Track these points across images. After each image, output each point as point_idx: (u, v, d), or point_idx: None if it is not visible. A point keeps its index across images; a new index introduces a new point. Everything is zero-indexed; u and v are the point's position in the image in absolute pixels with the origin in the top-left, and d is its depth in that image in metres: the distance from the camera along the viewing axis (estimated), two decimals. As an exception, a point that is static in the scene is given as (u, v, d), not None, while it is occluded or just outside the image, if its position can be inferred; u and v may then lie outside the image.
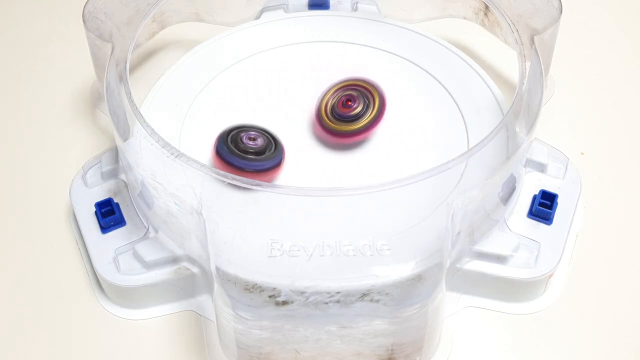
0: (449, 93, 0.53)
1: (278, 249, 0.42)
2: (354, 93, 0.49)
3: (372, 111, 0.49)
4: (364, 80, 0.50)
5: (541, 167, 0.50)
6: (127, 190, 0.49)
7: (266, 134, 0.48)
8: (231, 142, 0.47)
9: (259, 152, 0.47)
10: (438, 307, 0.42)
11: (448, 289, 0.45)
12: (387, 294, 0.41)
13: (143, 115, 0.45)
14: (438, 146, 0.50)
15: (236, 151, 0.46)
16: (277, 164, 0.47)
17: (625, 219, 0.51)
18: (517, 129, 0.48)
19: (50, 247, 0.50)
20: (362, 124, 0.48)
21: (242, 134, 0.47)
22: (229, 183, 0.41)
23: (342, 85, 0.50)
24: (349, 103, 0.48)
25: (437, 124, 0.51)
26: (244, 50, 0.56)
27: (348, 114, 0.48)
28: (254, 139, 0.47)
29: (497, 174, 0.44)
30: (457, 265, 0.45)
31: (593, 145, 0.55)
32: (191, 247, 0.45)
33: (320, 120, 0.49)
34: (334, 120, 0.49)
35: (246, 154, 0.46)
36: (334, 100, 0.49)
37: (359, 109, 0.48)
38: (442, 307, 0.43)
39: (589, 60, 0.61)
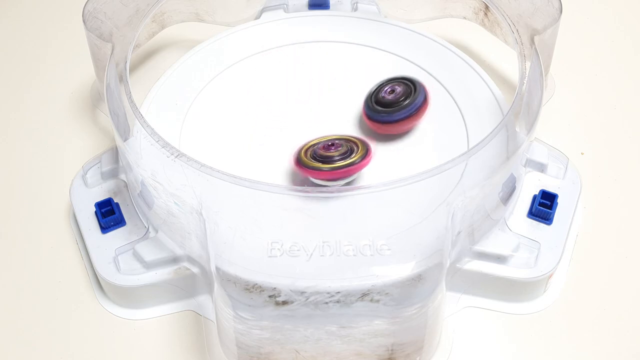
0: (449, 93, 0.53)
1: (278, 249, 0.42)
2: (339, 141, 0.48)
3: (351, 159, 0.47)
4: (354, 137, 0.48)
5: (541, 167, 0.50)
6: (127, 190, 0.49)
7: (403, 80, 0.50)
8: (375, 102, 0.49)
9: (400, 101, 0.49)
10: (438, 307, 0.42)
11: (448, 289, 0.45)
12: (387, 294, 0.41)
13: (143, 115, 0.45)
14: (438, 146, 0.50)
15: (378, 107, 0.49)
16: (423, 102, 0.49)
17: (625, 219, 0.51)
18: (517, 129, 0.48)
19: (50, 247, 0.50)
20: (333, 165, 0.46)
21: (382, 89, 0.49)
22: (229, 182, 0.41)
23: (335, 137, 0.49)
24: (331, 147, 0.47)
25: (437, 124, 0.51)
26: (244, 50, 0.56)
27: (325, 154, 0.47)
28: (392, 91, 0.49)
29: (497, 174, 0.44)
30: (457, 265, 0.45)
31: (593, 145, 0.55)
32: (191, 247, 0.45)
33: (298, 159, 0.47)
34: (310, 158, 0.47)
35: (389, 106, 0.49)
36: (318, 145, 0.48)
37: (336, 154, 0.47)
38: (442, 307, 0.43)
39: (589, 60, 0.61)
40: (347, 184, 0.47)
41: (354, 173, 0.47)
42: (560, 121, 0.56)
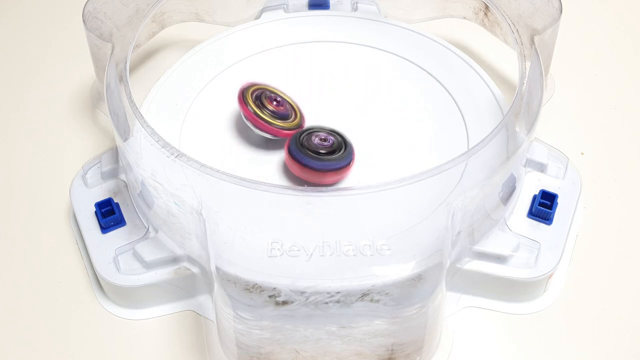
0: (449, 93, 0.53)
1: (278, 249, 0.42)
2: (286, 103, 0.50)
3: (279, 121, 0.49)
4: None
5: (541, 167, 0.50)
6: (127, 190, 0.49)
7: (336, 135, 0.48)
8: (302, 144, 0.47)
9: (331, 152, 0.47)
10: (438, 307, 0.42)
11: (448, 289, 0.45)
12: (387, 294, 0.41)
13: (143, 115, 0.45)
14: (438, 146, 0.50)
15: (308, 151, 0.47)
16: (347, 163, 0.47)
17: (625, 219, 0.51)
18: (517, 129, 0.48)
19: (50, 247, 0.50)
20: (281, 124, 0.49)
21: (318, 133, 0.48)
22: (229, 182, 0.41)
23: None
24: (274, 102, 0.49)
25: (437, 124, 0.51)
26: (244, 50, 0.56)
27: (263, 103, 0.49)
28: (325, 140, 0.48)
29: (497, 174, 0.44)
30: (457, 265, 0.45)
31: (593, 145, 0.55)
32: (191, 247, 0.45)
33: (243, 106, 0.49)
34: (251, 96, 0.49)
35: (318, 153, 0.47)
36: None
37: (271, 108, 0.49)
38: (442, 307, 0.43)
39: (589, 60, 0.61)
40: (268, 140, 0.49)
41: (270, 133, 0.48)
42: (560, 121, 0.56)
